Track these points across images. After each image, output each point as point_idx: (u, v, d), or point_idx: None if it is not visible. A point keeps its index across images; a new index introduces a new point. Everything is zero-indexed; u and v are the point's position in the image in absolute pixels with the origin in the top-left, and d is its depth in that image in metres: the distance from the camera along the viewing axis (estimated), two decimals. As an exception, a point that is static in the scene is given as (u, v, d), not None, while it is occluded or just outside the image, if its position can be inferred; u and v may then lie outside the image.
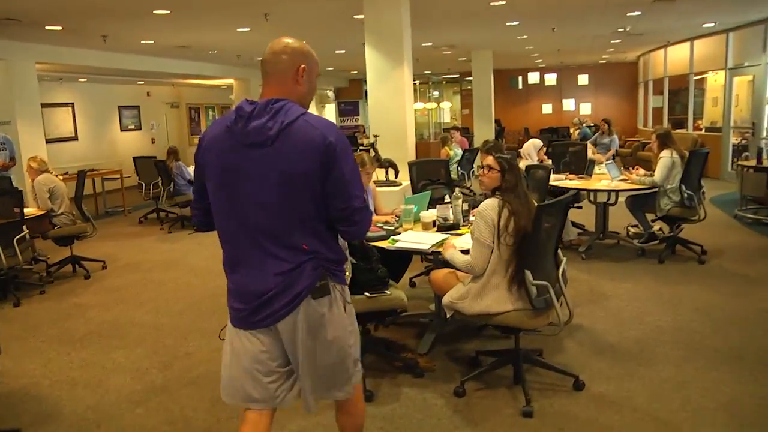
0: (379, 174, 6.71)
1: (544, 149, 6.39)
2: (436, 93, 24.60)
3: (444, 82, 24.03)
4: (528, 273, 3.01)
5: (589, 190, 6.22)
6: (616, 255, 6.25)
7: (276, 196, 1.85)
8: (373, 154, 6.43)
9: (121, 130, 15.53)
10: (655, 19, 9.99)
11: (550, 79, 20.70)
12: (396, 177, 6.56)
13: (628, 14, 9.44)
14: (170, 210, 9.82)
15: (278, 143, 1.82)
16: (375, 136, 6.53)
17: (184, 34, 9.45)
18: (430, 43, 12.11)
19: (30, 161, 6.46)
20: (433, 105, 23.55)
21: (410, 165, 5.59)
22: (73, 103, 13.71)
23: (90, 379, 3.87)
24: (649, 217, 6.19)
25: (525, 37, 11.76)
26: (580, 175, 6.55)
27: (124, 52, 10.74)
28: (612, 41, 13.11)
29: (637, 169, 6.27)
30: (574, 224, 6.97)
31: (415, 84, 23.37)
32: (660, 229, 6.41)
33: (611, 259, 6.11)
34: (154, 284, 6.18)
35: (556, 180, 6.32)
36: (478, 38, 11.89)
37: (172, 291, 5.88)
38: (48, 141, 12.85)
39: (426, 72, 21.37)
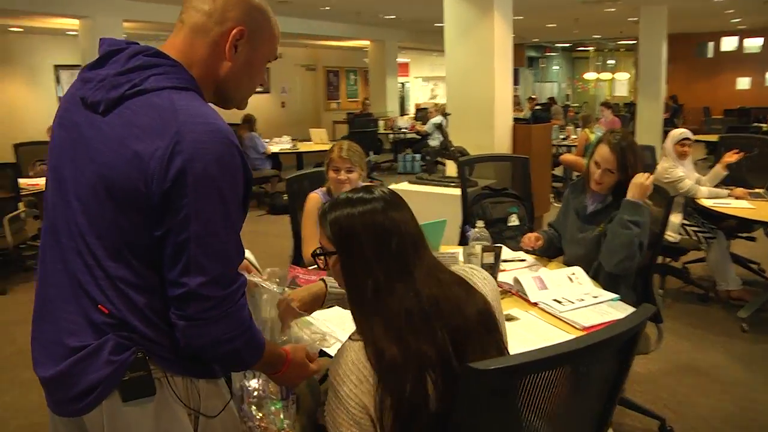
0: (450, 168, 4.86)
1: (689, 143, 4.04)
2: (612, 62, 21.44)
3: (622, 50, 20.76)
4: None
5: (763, 223, 3.75)
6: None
7: (93, 198, 1.15)
8: (439, 141, 4.58)
9: (248, 93, 14.87)
10: None
11: (752, 45, 16.65)
12: (470, 174, 4.65)
13: None
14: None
15: (111, 118, 1.15)
16: (445, 115, 4.66)
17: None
18: (585, -4, 9.68)
19: (49, 130, 5.51)
20: (607, 76, 20.54)
21: (462, 164, 3.69)
22: (192, 63, 13.17)
23: None
24: None
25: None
26: (753, 191, 4.12)
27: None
28: None
29: None
30: (739, 260, 4.57)
31: (587, 51, 20.69)
32: None
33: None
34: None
35: (713, 198, 4.02)
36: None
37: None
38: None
39: (595, 36, 18.41)
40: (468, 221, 3.59)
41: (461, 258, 2.40)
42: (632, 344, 1.27)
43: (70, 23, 8.68)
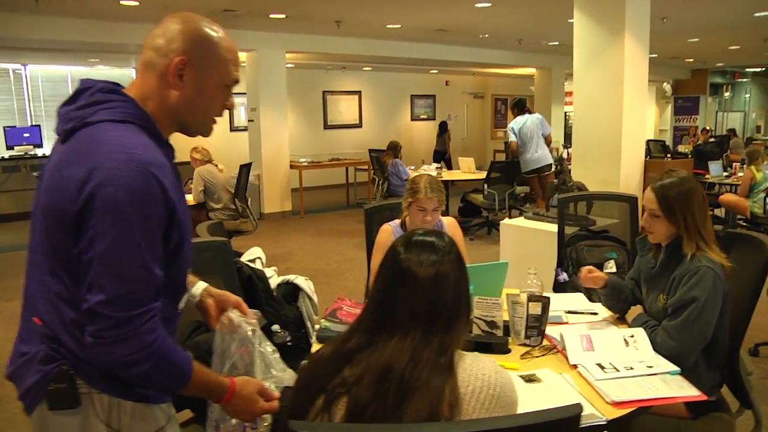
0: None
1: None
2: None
3: None
4: None
5: None
6: None
7: (39, 218, 1.28)
8: (554, 178, 4.27)
9: (412, 120, 15.21)
10: None
11: None
12: (588, 212, 4.27)
13: None
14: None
15: (63, 147, 1.27)
16: (565, 147, 4.34)
17: (424, 15, 8.20)
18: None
19: (192, 152, 6.09)
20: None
21: (561, 203, 3.39)
22: (360, 92, 13.78)
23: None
24: None
25: None
26: None
27: (373, 38, 9.99)
28: None
29: None
30: None
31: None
32: None
33: None
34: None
35: None
36: None
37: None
38: (329, 127, 13.31)
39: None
40: (561, 264, 3.29)
41: (505, 306, 2.17)
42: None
43: (241, 56, 9.51)
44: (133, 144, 1.24)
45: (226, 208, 6.07)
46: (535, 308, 2.11)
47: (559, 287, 3.18)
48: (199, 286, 1.62)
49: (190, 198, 6.14)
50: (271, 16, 7.75)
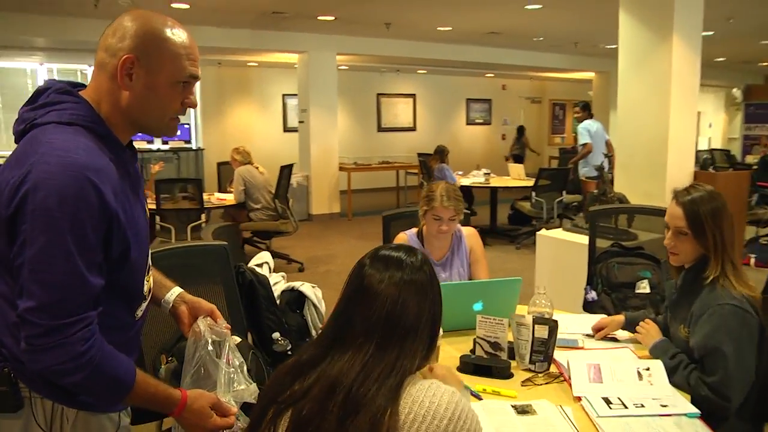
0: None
1: None
2: None
3: None
4: None
5: None
6: None
7: None
8: (596, 189, 4.04)
9: (467, 124, 14.99)
10: None
11: None
12: (629, 225, 4.01)
13: None
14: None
15: (16, 148, 1.24)
16: (607, 156, 4.12)
17: (474, 17, 8.02)
18: None
19: (233, 152, 6.14)
20: None
21: (592, 216, 3.18)
22: (414, 94, 13.66)
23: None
24: None
25: None
26: None
27: (423, 40, 9.84)
28: None
29: None
30: None
31: None
32: None
33: None
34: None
35: None
36: None
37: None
38: (382, 130, 13.28)
39: None
40: (591, 282, 3.08)
41: (510, 326, 2.02)
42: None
43: (293, 58, 9.58)
44: (72, 147, 1.19)
45: (266, 208, 6.08)
46: (541, 331, 1.95)
47: (587, 306, 2.99)
48: (173, 293, 1.60)
49: (230, 197, 6.21)
50: (319, 18, 7.74)
